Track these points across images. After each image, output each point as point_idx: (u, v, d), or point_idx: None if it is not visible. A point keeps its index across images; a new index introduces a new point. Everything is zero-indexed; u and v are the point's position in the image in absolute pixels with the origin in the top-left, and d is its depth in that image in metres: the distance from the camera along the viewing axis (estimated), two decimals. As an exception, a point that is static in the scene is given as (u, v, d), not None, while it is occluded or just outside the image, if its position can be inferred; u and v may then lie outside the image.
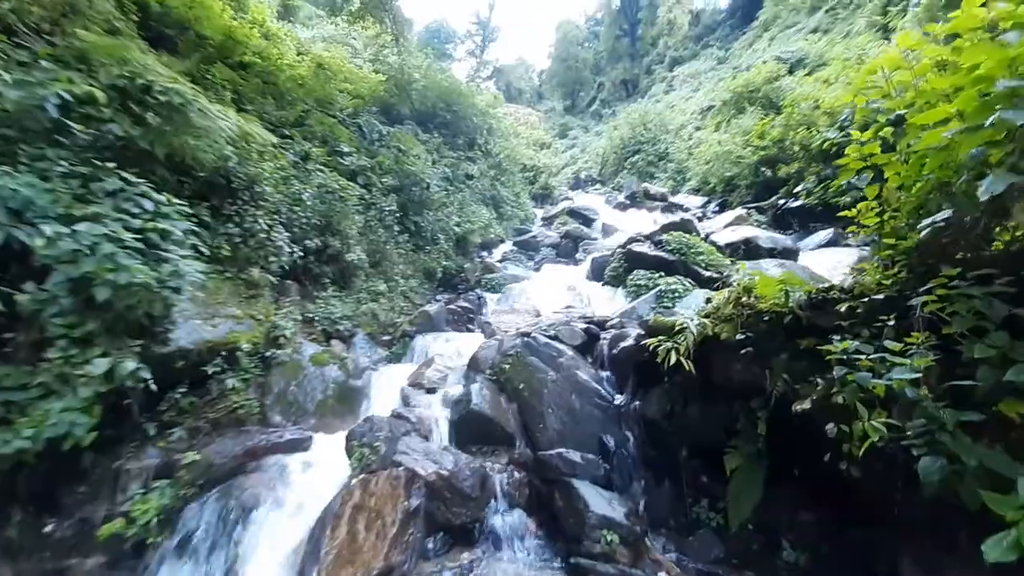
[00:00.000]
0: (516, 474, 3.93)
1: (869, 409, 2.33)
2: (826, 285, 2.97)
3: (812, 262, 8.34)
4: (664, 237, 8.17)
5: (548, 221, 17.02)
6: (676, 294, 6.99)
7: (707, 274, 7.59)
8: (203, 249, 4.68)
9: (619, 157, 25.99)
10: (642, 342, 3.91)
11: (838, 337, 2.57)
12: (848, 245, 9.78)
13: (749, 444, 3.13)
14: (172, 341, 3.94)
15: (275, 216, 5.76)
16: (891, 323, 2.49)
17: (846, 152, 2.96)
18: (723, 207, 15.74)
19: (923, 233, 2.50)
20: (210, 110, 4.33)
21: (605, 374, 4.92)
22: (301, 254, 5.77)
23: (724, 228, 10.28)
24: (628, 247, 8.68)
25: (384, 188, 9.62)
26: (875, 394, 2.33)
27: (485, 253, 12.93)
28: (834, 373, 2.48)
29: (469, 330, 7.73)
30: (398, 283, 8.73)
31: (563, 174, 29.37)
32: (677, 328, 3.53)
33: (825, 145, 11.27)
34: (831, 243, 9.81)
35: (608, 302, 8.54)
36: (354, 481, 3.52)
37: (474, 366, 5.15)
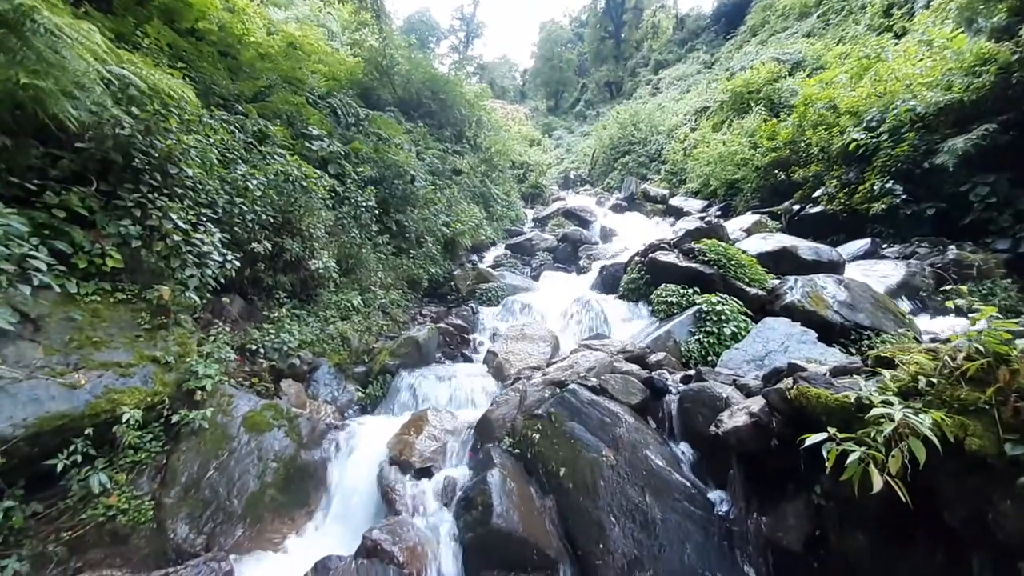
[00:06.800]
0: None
1: None
2: None
3: (856, 277, 7.17)
4: (697, 246, 6.85)
5: (540, 222, 15.69)
6: (723, 317, 5.66)
7: (752, 291, 6.31)
8: (76, 260, 3.09)
9: (609, 157, 25.01)
10: (772, 424, 2.44)
11: None
12: (885, 257, 8.78)
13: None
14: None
15: (204, 210, 4.13)
16: None
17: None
18: (725, 211, 14.83)
19: None
20: (67, 35, 2.70)
21: (679, 450, 3.32)
22: (238, 263, 4.12)
23: (750, 236, 9.09)
24: (650, 256, 7.34)
25: (361, 180, 8.02)
26: None
27: (475, 257, 11.44)
28: None
29: (465, 357, 6.23)
30: (376, 295, 7.15)
31: (550, 173, 28.29)
32: (877, 420, 1.91)
33: (852, 146, 10.29)
34: (869, 254, 8.71)
35: (627, 321, 7.20)
36: None
37: (485, 431, 3.62)
